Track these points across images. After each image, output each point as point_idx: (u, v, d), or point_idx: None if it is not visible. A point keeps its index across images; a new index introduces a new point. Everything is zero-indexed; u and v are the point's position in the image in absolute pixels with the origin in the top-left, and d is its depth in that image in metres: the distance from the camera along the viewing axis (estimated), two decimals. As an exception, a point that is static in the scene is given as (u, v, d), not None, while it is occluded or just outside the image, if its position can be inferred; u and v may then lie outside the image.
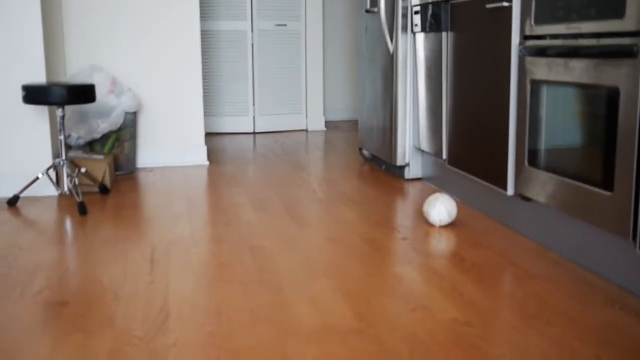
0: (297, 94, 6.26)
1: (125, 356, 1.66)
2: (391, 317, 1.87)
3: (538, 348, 1.66)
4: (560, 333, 1.75)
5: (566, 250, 2.37)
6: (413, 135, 3.74)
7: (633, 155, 1.90)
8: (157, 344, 1.73)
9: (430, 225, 2.82)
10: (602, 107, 2.06)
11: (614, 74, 1.98)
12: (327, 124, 6.58)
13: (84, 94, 3.24)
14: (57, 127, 3.29)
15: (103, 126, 3.88)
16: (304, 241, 2.62)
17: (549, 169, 2.36)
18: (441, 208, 2.77)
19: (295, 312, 1.91)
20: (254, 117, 6.16)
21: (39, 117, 3.50)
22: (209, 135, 5.99)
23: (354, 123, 6.67)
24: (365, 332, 1.77)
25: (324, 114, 6.46)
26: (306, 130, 6.26)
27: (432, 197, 2.83)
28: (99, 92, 3.89)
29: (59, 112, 3.26)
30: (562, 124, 2.30)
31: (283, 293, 2.07)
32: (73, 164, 3.38)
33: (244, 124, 6.16)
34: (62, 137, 3.28)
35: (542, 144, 2.42)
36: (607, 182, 2.04)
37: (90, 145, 3.96)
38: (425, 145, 3.57)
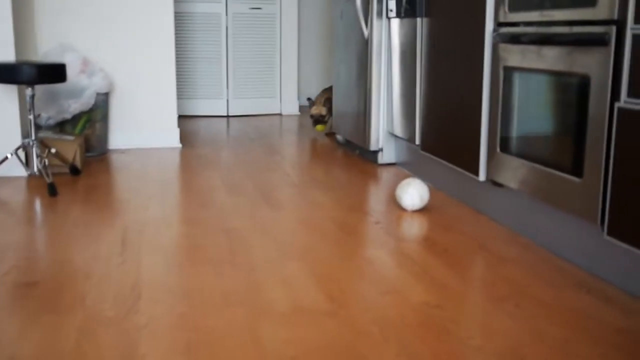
0: (272, 77, 6.24)
1: (96, 337, 1.65)
2: (362, 300, 1.88)
3: (507, 330, 1.69)
4: (529, 316, 1.78)
5: (537, 235, 2.40)
6: (387, 120, 3.75)
7: (602, 142, 1.93)
8: (128, 324, 1.72)
9: (403, 209, 2.84)
10: (573, 94, 2.08)
11: (585, 62, 2.01)
12: (302, 108, 6.56)
13: (54, 73, 3.19)
14: (27, 107, 3.24)
15: (74, 107, 3.83)
16: (277, 224, 2.62)
17: (521, 155, 2.39)
18: (413, 192, 2.78)
19: (268, 294, 1.92)
20: (227, 100, 6.12)
21: (8, 96, 3.44)
22: (182, 117, 5.94)
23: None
24: (336, 314, 1.78)
25: (299, 98, 6.44)
26: (280, 115, 6.25)
27: (404, 182, 2.84)
28: (70, 72, 3.84)
29: (28, 91, 3.21)
30: (534, 111, 2.32)
31: (255, 275, 2.07)
32: (43, 144, 3.33)
33: (218, 107, 6.12)
34: (31, 117, 3.22)
35: (514, 131, 2.45)
36: (576, 169, 2.07)
37: (61, 126, 3.90)
38: (398, 130, 3.58)
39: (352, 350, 1.58)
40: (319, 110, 4.72)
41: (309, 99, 5.05)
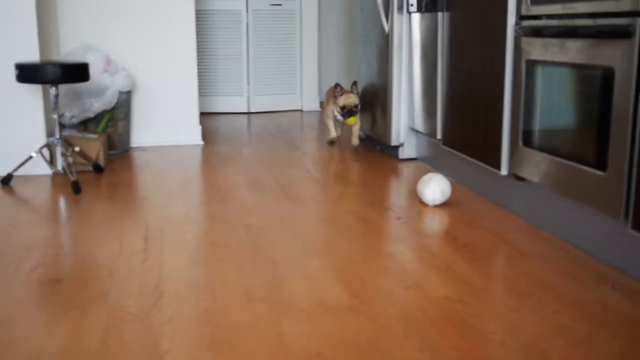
0: (292, 74, 6.24)
1: (120, 332, 1.67)
2: (385, 295, 1.88)
3: (530, 325, 1.68)
4: (552, 311, 1.77)
5: (559, 229, 2.39)
6: (408, 115, 3.74)
7: (626, 136, 1.91)
8: (152, 320, 1.74)
9: (424, 204, 2.83)
10: (597, 87, 2.06)
11: (609, 54, 1.98)
12: (322, 104, 6.56)
13: (77, 72, 3.22)
14: (51, 106, 3.27)
15: (97, 105, 3.87)
16: (299, 220, 2.63)
17: (543, 149, 2.37)
18: (435, 188, 2.78)
19: (290, 290, 1.93)
20: (248, 97, 6.14)
21: (32, 96, 3.48)
22: (203, 115, 5.97)
23: (348, 104, 6.65)
24: (359, 309, 1.79)
25: (319, 94, 6.44)
26: (301, 111, 6.25)
27: (426, 177, 2.83)
28: (93, 71, 3.87)
29: (52, 90, 3.25)
30: (557, 105, 2.30)
31: (278, 271, 2.08)
32: (67, 142, 3.37)
33: (239, 104, 6.14)
34: (55, 116, 3.26)
35: (537, 124, 2.43)
36: (600, 162, 2.05)
37: (84, 125, 3.94)
38: (419, 125, 3.57)
39: (374, 345, 1.58)
40: (350, 99, 4.00)
41: (329, 100, 4.29)
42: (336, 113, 4.07)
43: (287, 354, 1.54)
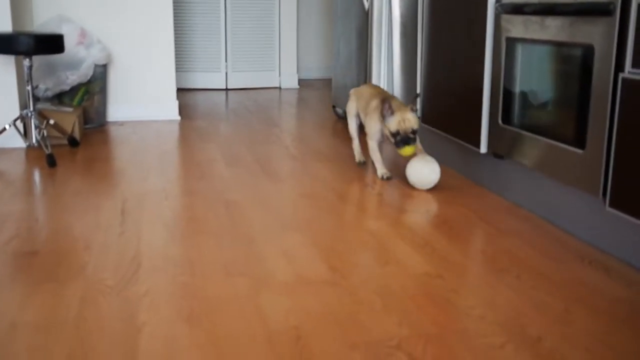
0: (271, 51, 6.19)
1: (97, 305, 1.65)
2: (364, 271, 1.88)
3: (508, 300, 1.69)
4: (530, 287, 1.78)
5: (538, 208, 2.40)
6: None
7: (605, 113, 1.92)
8: (129, 293, 1.72)
9: (404, 182, 2.83)
10: (576, 65, 2.07)
11: (589, 32, 1.98)
12: (301, 82, 6.53)
13: (51, 44, 3.16)
14: (25, 78, 3.21)
15: (72, 78, 3.80)
16: (278, 196, 2.61)
17: (523, 127, 2.38)
18: (434, 167, 2.70)
19: (269, 265, 1.92)
20: (226, 73, 6.08)
21: (5, 67, 3.41)
22: (180, 90, 5.91)
23: (327, 82, 6.62)
24: (338, 284, 1.78)
25: (298, 72, 6.40)
26: (279, 88, 6.21)
27: (422, 160, 2.71)
28: (68, 43, 3.80)
29: (26, 62, 3.18)
30: (536, 83, 2.31)
31: (256, 246, 2.07)
32: (41, 115, 3.31)
33: (217, 80, 6.08)
34: (29, 88, 3.20)
35: (516, 102, 2.43)
36: (579, 140, 2.05)
37: (59, 98, 3.88)
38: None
39: (353, 320, 1.58)
40: (408, 121, 2.70)
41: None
42: (387, 134, 2.77)
43: (265, 328, 1.53)
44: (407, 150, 2.70)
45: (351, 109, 3.16)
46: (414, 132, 2.69)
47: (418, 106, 2.84)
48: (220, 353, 1.42)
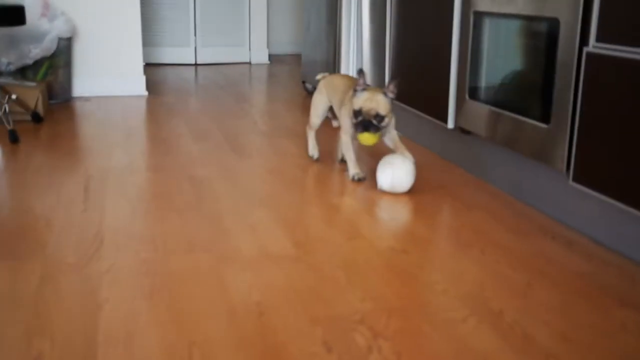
0: (241, 25, 6.12)
1: (57, 282, 1.62)
2: (329, 246, 1.87)
3: (471, 275, 1.70)
4: (493, 261, 1.79)
5: (504, 183, 2.41)
6: (357, 68, 3.70)
7: (570, 88, 1.92)
8: (90, 270, 1.69)
9: (371, 157, 2.82)
10: (542, 39, 2.06)
11: (555, 6, 1.98)
12: (271, 57, 6.47)
13: (12, 15, 3.07)
14: (-15, 51, 3.13)
15: (35, 52, 3.72)
16: (244, 172, 2.59)
17: (489, 102, 2.38)
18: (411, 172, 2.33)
19: (233, 241, 1.90)
20: (195, 48, 6.00)
21: (-35, 40, 3.32)
22: (148, 66, 5.82)
23: (298, 57, 6.57)
24: (302, 259, 1.78)
25: (268, 47, 6.34)
26: (249, 63, 6.15)
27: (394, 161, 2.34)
28: (30, 15, 3.71)
29: (-14, 34, 3.10)
30: (503, 57, 2.30)
31: (221, 222, 2.05)
32: (3, 90, 3.23)
33: (185, 55, 6.00)
34: (-10, 62, 3.12)
35: (483, 78, 2.43)
36: (544, 115, 2.06)
37: (22, 72, 3.79)
38: (368, 78, 3.54)
39: (317, 294, 1.57)
40: (375, 102, 2.32)
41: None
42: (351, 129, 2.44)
43: (228, 303, 1.52)
44: (366, 138, 2.29)
45: (318, 101, 2.69)
46: (378, 117, 2.28)
47: (393, 89, 2.32)
48: (181, 329, 1.41)
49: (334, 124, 2.61)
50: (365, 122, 2.29)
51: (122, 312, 1.48)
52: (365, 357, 1.31)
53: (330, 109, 2.69)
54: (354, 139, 2.47)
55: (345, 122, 2.48)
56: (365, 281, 1.65)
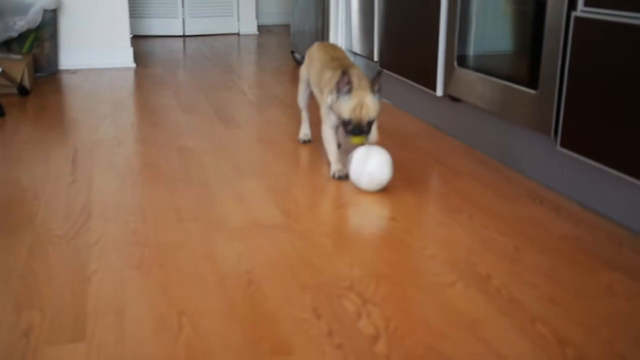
0: (228, -5, 6.05)
1: (46, 254, 1.62)
2: (318, 214, 1.88)
3: (460, 240, 1.70)
4: (481, 226, 1.80)
5: (492, 150, 2.41)
6: (345, 37, 3.68)
7: (558, 53, 1.91)
8: (78, 242, 1.69)
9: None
10: (531, 5, 2.05)
11: (543, -30, 1.96)
12: (260, 28, 6.41)
13: (-5, -13, 3.03)
14: (-31, 24, 3.08)
15: (20, 24, 3.67)
16: (233, 142, 2.58)
17: (478, 69, 2.37)
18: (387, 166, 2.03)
19: (222, 210, 1.90)
20: (183, 19, 5.94)
21: (-53, 12, 3.27)
22: (136, 38, 5.75)
23: (287, 27, 6.51)
24: (291, 227, 1.78)
25: (257, 17, 6.27)
26: (238, 34, 6.10)
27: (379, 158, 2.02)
28: (14, -12, 3.65)
29: (-31, 7, 3.05)
30: (491, 24, 2.29)
31: (210, 192, 2.04)
32: (-12, 63, 3.20)
33: (173, 27, 5.94)
34: (-26, 35, 3.08)
35: (472, 44, 2.41)
36: (532, 81, 2.05)
37: (7, 45, 3.74)
38: (357, 47, 3.52)
39: (305, 262, 1.58)
40: (365, 108, 2.03)
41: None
42: (331, 116, 2.16)
43: (217, 272, 1.53)
44: (357, 139, 2.05)
45: (302, 73, 2.49)
46: (370, 122, 2.03)
47: (379, 85, 2.04)
48: (170, 298, 1.41)
49: (297, 56, 1.97)
50: (357, 130, 2.03)
51: (111, 283, 1.48)
52: (354, 323, 1.32)
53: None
54: (336, 127, 2.18)
55: (323, 109, 2.17)
56: (354, 248, 1.65)
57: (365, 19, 3.37)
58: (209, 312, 1.36)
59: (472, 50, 2.42)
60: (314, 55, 2.37)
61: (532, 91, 2.05)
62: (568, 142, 1.90)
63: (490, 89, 2.28)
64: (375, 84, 2.03)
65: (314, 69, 2.32)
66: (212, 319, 1.33)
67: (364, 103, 2.00)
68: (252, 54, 4.93)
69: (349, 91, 2.01)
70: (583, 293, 1.44)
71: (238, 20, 6.12)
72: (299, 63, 4.33)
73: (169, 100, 3.31)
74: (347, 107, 2.01)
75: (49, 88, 3.60)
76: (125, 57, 4.28)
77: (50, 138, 2.63)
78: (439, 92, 2.65)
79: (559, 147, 1.94)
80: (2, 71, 3.25)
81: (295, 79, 3.87)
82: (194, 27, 5.98)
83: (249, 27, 6.15)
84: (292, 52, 4.48)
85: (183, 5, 5.89)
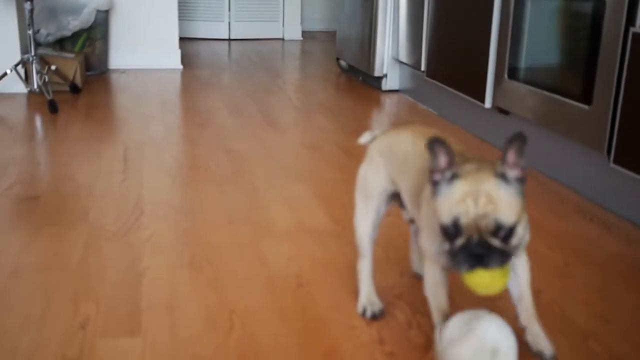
0: (274, 1, 6.10)
1: (100, 249, 1.65)
2: (366, 221, 1.88)
3: (509, 254, 1.69)
4: (531, 241, 1.78)
5: (542, 164, 2.39)
6: (392, 46, 3.68)
7: (614, 68, 1.89)
8: (131, 238, 1.72)
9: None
10: (587, 19, 2.03)
11: (602, -15, 1.95)
12: (304, 34, 6.44)
13: (54, -13, 3.10)
14: (26, 22, 3.16)
15: (74, 23, 3.75)
16: (280, 146, 2.60)
17: (529, 82, 2.35)
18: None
19: (271, 214, 1.92)
20: (229, 23, 6.01)
21: (6, 10, 3.36)
22: (183, 40, 5.83)
23: (331, 34, 6.54)
24: (340, 234, 1.79)
25: (302, 23, 6.31)
26: (282, 40, 6.14)
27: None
28: (70, -13, 3.74)
29: (27, 5, 3.13)
30: (544, 37, 2.27)
31: (259, 195, 2.07)
32: (43, 61, 3.27)
33: (219, 30, 6.01)
34: (30, 32, 3.16)
35: (523, 57, 2.40)
36: (586, 96, 2.03)
37: (61, 44, 3.83)
38: (404, 56, 3.52)
39: (353, 268, 1.58)
40: (478, 194, 1.05)
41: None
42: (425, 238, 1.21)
43: (266, 273, 1.54)
44: (483, 281, 1.09)
45: (370, 182, 1.45)
46: (501, 231, 1.06)
47: (517, 163, 1.11)
48: (221, 297, 1.43)
49: (405, 215, 1.47)
50: (475, 248, 1.05)
51: (164, 280, 1.51)
52: (405, 332, 1.32)
53: (397, 196, 1.41)
54: (451, 273, 1.21)
55: (427, 240, 1.20)
56: (403, 257, 1.66)
57: (413, 26, 3.37)
58: (260, 313, 1.37)
59: (523, 63, 2.40)
60: (402, 148, 1.33)
61: (585, 106, 2.03)
62: (621, 159, 1.87)
63: (541, 102, 2.26)
64: (508, 156, 1.08)
65: (408, 168, 1.29)
66: (263, 320, 1.35)
67: (482, 190, 1.05)
68: (296, 59, 4.97)
69: (455, 174, 1.08)
70: (636, 312, 1.42)
71: (283, 26, 6.17)
72: (343, 70, 4.35)
73: (215, 102, 3.35)
74: (450, 199, 1.07)
75: (99, 87, 3.67)
76: (173, 59, 4.35)
77: (101, 136, 2.68)
78: (488, 103, 2.64)
79: (612, 164, 1.92)
80: (56, 69, 3.32)
81: (339, 86, 3.88)
82: (239, 31, 6.04)
83: (294, 32, 6.19)
84: (338, 59, 4.50)
85: (229, 9, 5.95)
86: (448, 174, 1.08)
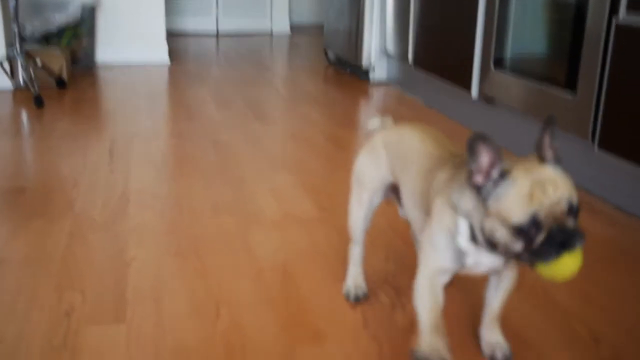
0: (262, -5, 6.09)
1: (86, 240, 1.65)
2: (352, 209, 1.88)
3: (494, 239, 1.70)
4: (516, 226, 1.79)
5: (527, 151, 2.40)
6: (379, 37, 3.68)
7: (598, 57, 1.90)
8: (117, 228, 1.72)
9: (394, 126, 2.82)
10: (571, 9, 2.04)
11: (585, -28, 1.95)
12: (292, 27, 6.44)
13: (38, -19, 3.09)
14: (10, 17, 3.15)
15: (59, 19, 3.74)
16: (267, 138, 2.60)
17: (515, 71, 2.36)
18: None
19: (257, 204, 1.92)
20: (217, 17, 5.99)
21: (-9, 5, 3.34)
22: (170, 35, 5.82)
23: (319, 27, 6.53)
24: (326, 221, 1.79)
25: (289, 17, 6.31)
26: (271, 34, 6.13)
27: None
28: (55, -18, 3.72)
29: (11, 0, 3.11)
30: (530, 27, 2.28)
31: (245, 186, 2.07)
32: (28, 56, 3.26)
33: (207, 25, 5.99)
34: (15, 27, 3.14)
35: (509, 47, 2.41)
36: (570, 84, 2.04)
37: (47, 39, 3.81)
38: (391, 47, 3.52)
39: (339, 255, 1.59)
40: (546, 185, 1.03)
41: None
42: (497, 235, 1.04)
43: (253, 263, 1.55)
44: (565, 263, 1.03)
45: (368, 172, 1.42)
46: (571, 212, 1.03)
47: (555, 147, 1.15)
48: (207, 287, 1.43)
49: (401, 212, 1.41)
50: (558, 235, 1.01)
51: (150, 270, 1.51)
52: (389, 314, 1.33)
53: (394, 190, 1.38)
54: (453, 272, 1.14)
55: (435, 235, 1.13)
56: (389, 243, 1.66)
57: (400, 18, 3.38)
58: (246, 302, 1.38)
59: (509, 52, 2.41)
60: (409, 145, 1.31)
61: (570, 94, 2.04)
62: (606, 145, 1.89)
63: (527, 91, 2.27)
64: (546, 145, 1.13)
65: (414, 168, 1.26)
66: (249, 309, 1.35)
67: (547, 178, 1.05)
68: (285, 53, 4.96)
69: (506, 171, 1.06)
70: (619, 293, 1.43)
71: (271, 20, 6.16)
72: (331, 63, 4.35)
73: (203, 96, 3.35)
74: (522, 200, 1.02)
75: (85, 82, 3.66)
76: (160, 54, 4.34)
77: (88, 130, 2.67)
78: (474, 92, 2.65)
79: (596, 150, 1.93)
80: (42, 64, 3.31)
81: (327, 77, 3.89)
82: (228, 26, 6.03)
83: (282, 26, 6.18)
84: (325, 52, 4.50)
85: (217, 4, 5.94)
86: (495, 173, 1.05)
